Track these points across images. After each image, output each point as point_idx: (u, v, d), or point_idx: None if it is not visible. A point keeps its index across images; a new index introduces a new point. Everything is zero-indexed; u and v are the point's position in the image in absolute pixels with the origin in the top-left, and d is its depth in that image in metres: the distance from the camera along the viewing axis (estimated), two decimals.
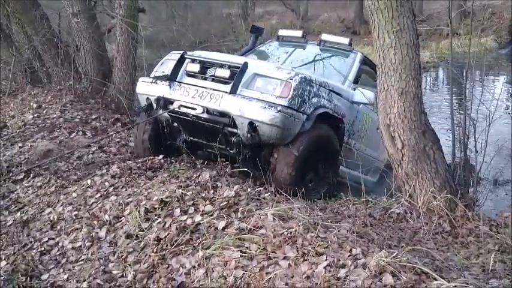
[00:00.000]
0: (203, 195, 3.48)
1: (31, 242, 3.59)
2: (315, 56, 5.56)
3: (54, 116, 6.72)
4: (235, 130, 4.15)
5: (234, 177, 4.24)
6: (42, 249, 3.44)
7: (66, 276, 3.06)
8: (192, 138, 4.63)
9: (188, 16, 23.18)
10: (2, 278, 3.13)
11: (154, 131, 4.79)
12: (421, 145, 3.68)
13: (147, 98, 4.56)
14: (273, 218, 3.07)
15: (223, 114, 4.12)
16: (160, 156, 4.64)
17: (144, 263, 2.94)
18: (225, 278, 2.58)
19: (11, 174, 4.84)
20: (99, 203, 3.86)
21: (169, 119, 4.56)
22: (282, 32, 6.16)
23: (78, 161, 5.08)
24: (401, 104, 3.62)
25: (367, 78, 5.53)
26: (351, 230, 3.09)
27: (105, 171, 4.51)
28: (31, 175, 4.71)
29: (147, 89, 4.58)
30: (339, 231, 3.04)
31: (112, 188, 4.09)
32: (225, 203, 3.30)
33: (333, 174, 4.55)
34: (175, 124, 4.60)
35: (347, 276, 2.43)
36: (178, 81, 4.38)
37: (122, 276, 2.91)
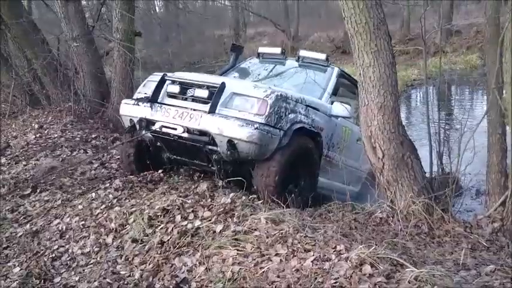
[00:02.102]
0: (201, 203, 3.81)
1: (42, 250, 3.87)
2: (294, 72, 5.78)
3: (56, 135, 7.03)
4: (215, 148, 4.30)
5: (228, 188, 4.55)
6: (53, 255, 3.73)
7: (77, 278, 3.34)
8: (175, 156, 4.78)
9: (181, 38, 23.73)
10: (17, 281, 3.41)
11: (139, 151, 4.95)
12: (399, 154, 4.02)
13: (130, 119, 4.70)
14: (266, 222, 3.38)
15: (203, 133, 4.26)
16: (160, 171, 4.92)
17: (150, 264, 3.24)
18: (224, 273, 2.89)
19: (18, 189, 5.13)
20: (105, 213, 4.15)
21: (153, 138, 4.70)
22: (261, 50, 6.33)
23: (82, 176, 5.37)
24: (381, 117, 3.97)
25: (345, 91, 5.74)
26: (336, 231, 3.41)
27: (108, 185, 4.80)
28: (38, 190, 5.00)
29: (129, 110, 4.71)
30: (325, 232, 3.36)
31: (116, 199, 4.38)
32: (222, 209, 3.62)
33: (312, 184, 4.74)
34: (159, 143, 4.75)
35: (331, 267, 2.74)
36: (159, 103, 4.52)
37: (130, 275, 3.20)
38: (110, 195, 4.47)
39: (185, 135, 4.34)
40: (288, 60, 6.14)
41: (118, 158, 6.11)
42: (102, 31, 9.27)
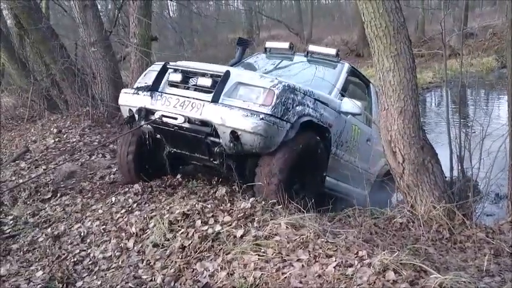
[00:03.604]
0: (221, 207, 3.83)
1: (64, 254, 3.91)
2: (302, 67, 5.60)
3: (74, 140, 7.12)
4: (217, 140, 4.11)
5: (246, 193, 4.55)
6: (75, 259, 3.77)
7: (99, 283, 3.38)
8: (175, 150, 4.61)
9: (195, 42, 23.87)
10: (40, 285, 3.45)
11: (138, 150, 4.81)
12: (420, 159, 3.99)
13: (129, 109, 4.52)
14: (286, 227, 3.39)
15: (204, 123, 4.07)
16: (178, 175, 4.93)
17: (171, 268, 3.26)
18: (245, 278, 2.89)
19: (38, 194, 5.20)
20: (125, 217, 4.19)
21: (152, 130, 4.52)
22: (269, 44, 6.13)
23: (101, 180, 5.42)
24: (401, 122, 3.95)
25: (356, 89, 5.58)
26: (357, 236, 3.39)
27: (127, 189, 4.82)
28: (58, 194, 5.07)
29: (129, 100, 4.53)
30: (346, 237, 3.34)
31: (135, 204, 4.42)
32: (242, 214, 3.63)
33: (319, 184, 4.56)
34: (158, 136, 4.58)
35: (354, 273, 2.73)
36: (160, 92, 4.34)
37: (151, 280, 3.22)
38: (130, 200, 4.51)
39: (186, 125, 4.16)
40: (296, 55, 5.97)
41: None
42: (119, 36, 9.33)
